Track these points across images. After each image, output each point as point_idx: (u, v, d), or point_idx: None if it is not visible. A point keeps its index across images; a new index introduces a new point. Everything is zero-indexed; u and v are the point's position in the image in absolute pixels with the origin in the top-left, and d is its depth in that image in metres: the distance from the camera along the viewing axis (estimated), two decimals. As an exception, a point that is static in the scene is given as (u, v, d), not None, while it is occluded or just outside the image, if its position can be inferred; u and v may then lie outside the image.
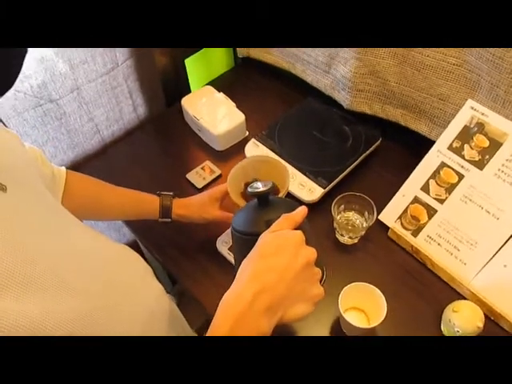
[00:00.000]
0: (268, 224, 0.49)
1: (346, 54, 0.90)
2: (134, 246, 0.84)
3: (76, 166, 1.02)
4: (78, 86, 0.88)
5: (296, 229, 0.48)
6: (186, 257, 0.86)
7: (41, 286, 0.41)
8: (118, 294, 0.57)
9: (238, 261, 0.55)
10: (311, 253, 0.47)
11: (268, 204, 0.54)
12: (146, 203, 0.79)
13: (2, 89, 0.40)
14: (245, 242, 0.52)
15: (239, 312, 0.42)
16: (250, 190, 0.53)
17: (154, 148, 1.07)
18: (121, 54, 0.91)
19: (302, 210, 0.50)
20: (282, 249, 0.46)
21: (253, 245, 0.49)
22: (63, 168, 0.70)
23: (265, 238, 0.47)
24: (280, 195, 0.72)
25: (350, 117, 1.00)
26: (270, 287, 0.43)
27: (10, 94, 0.79)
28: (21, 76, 0.78)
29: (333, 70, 0.98)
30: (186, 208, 0.80)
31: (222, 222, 0.80)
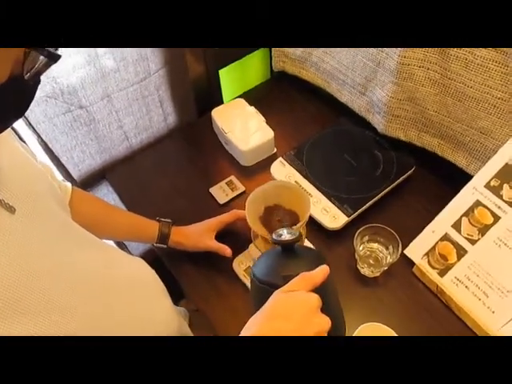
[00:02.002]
0: (285, 279, 0.46)
1: (384, 77, 0.86)
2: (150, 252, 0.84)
3: (102, 171, 1.02)
4: (108, 94, 0.89)
5: (315, 290, 0.46)
6: (200, 274, 0.85)
7: (27, 308, 0.41)
8: (122, 316, 0.57)
9: (254, 305, 0.53)
10: (324, 323, 0.44)
11: (292, 254, 0.53)
12: (146, 228, 0.81)
13: (15, 116, 0.40)
14: (261, 290, 0.51)
15: None
16: (274, 237, 0.52)
17: (180, 158, 1.07)
18: (153, 64, 0.91)
19: (323, 271, 0.47)
20: (293, 313, 0.43)
21: (268, 295, 0.47)
22: (69, 184, 0.71)
23: (276, 298, 0.45)
24: (299, 225, 0.69)
25: (383, 141, 0.96)
26: None
27: (41, 99, 0.80)
28: (52, 82, 0.79)
29: (369, 92, 0.94)
30: (182, 236, 0.82)
31: (220, 250, 0.81)
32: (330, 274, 0.49)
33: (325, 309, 0.46)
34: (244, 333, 0.44)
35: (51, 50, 0.36)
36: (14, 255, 0.42)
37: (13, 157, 0.50)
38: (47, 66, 0.37)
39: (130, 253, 1.20)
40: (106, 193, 1.08)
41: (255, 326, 0.44)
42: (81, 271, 0.52)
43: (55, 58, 0.36)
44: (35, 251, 0.45)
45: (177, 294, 1.02)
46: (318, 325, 0.43)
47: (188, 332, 0.78)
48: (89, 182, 1.03)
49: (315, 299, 0.44)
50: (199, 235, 0.81)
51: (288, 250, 0.53)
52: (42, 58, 0.36)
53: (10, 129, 0.54)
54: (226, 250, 0.80)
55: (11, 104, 0.38)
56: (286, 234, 0.52)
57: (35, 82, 0.38)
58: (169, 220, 0.83)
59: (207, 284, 0.84)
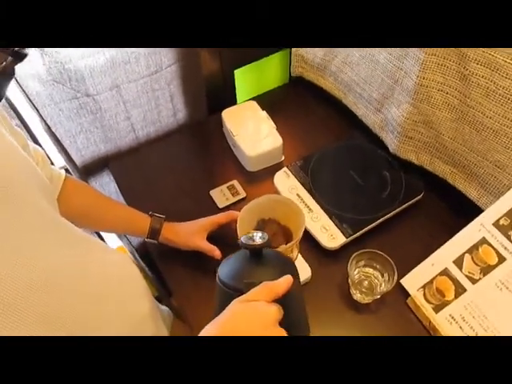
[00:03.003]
0: (248, 287, 0.44)
1: (401, 96, 0.82)
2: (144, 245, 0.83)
3: (106, 160, 1.01)
4: (117, 85, 0.87)
5: (277, 300, 0.44)
6: (187, 273, 0.84)
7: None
8: (96, 316, 0.55)
9: (215, 307, 0.51)
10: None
11: (259, 259, 0.50)
12: (137, 222, 0.79)
13: None
14: (223, 293, 0.48)
15: None
16: (243, 239, 0.49)
17: (186, 155, 1.05)
18: (166, 59, 0.89)
19: (287, 281, 0.45)
20: (249, 325, 0.41)
21: (230, 300, 0.45)
22: (63, 172, 0.69)
23: (234, 309, 0.43)
24: (292, 243, 0.66)
25: (394, 162, 0.92)
26: None
27: (48, 83, 0.79)
28: (60, 67, 0.78)
29: (384, 109, 0.90)
30: (173, 233, 0.80)
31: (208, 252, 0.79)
32: (295, 283, 0.47)
33: (285, 321, 0.44)
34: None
35: (16, 48, 0.34)
36: None
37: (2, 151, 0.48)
38: (13, 63, 0.35)
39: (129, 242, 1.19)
40: (107, 181, 1.08)
41: (210, 335, 0.42)
42: (56, 269, 0.50)
43: (21, 57, 0.35)
44: (6, 245, 0.44)
45: (168, 290, 1.02)
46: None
47: (164, 333, 0.76)
48: (91, 169, 1.03)
49: (274, 312, 0.42)
50: (190, 234, 0.79)
51: (256, 254, 0.50)
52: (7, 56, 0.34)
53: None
54: (216, 252, 0.78)
55: None
56: (257, 238, 0.49)
57: (2, 79, 0.37)
58: (162, 216, 0.81)
59: (192, 283, 0.82)
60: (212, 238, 0.81)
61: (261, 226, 0.72)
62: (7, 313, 0.41)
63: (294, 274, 0.51)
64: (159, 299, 1.34)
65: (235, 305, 0.43)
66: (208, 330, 0.43)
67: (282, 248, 0.65)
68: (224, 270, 0.51)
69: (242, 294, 0.45)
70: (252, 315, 0.42)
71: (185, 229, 0.80)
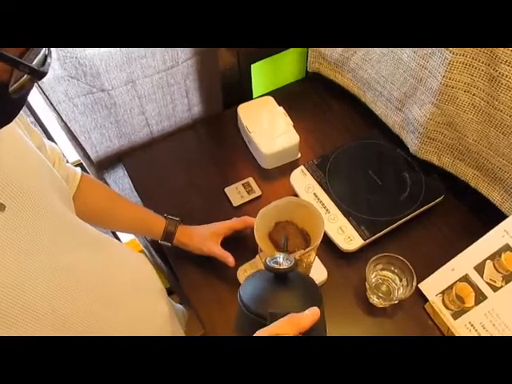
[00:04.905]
0: (272, 318, 0.43)
1: (424, 96, 0.80)
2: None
3: (120, 155, 1.00)
4: (132, 80, 0.86)
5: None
6: (204, 278, 0.82)
7: (9, 309, 0.40)
8: (115, 317, 0.55)
9: (236, 327, 0.50)
10: None
11: (284, 283, 0.49)
12: (152, 224, 0.78)
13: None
14: (246, 317, 0.47)
15: None
16: (268, 262, 0.48)
17: (200, 150, 1.03)
18: (183, 54, 0.87)
19: (313, 315, 0.44)
20: None
21: (253, 324, 0.44)
22: (79, 170, 0.68)
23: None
24: (310, 248, 0.65)
25: (414, 163, 0.90)
26: None
27: (62, 79, 0.78)
28: (75, 63, 0.77)
29: (406, 108, 0.87)
30: (188, 237, 0.79)
31: (223, 256, 0.77)
32: (321, 314, 0.46)
33: None
34: None
35: (34, 66, 0.33)
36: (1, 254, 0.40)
37: (12, 150, 0.48)
38: (32, 81, 0.34)
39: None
40: (121, 176, 1.07)
41: None
42: (74, 273, 0.50)
43: (39, 76, 0.34)
44: (24, 250, 0.44)
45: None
46: None
47: (180, 332, 0.76)
48: (106, 164, 1.02)
49: None
50: (204, 238, 0.78)
51: (281, 278, 0.49)
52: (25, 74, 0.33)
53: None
54: (229, 259, 0.76)
55: None
56: (281, 260, 0.48)
57: (20, 97, 0.36)
58: (176, 218, 0.79)
59: (209, 289, 0.81)
60: (226, 241, 0.80)
61: (277, 229, 0.70)
62: (26, 313, 0.41)
63: (318, 299, 0.50)
64: (171, 291, 1.35)
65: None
66: None
67: (299, 253, 0.64)
68: (247, 291, 0.50)
69: (265, 321, 0.44)
70: None
71: (199, 233, 0.79)
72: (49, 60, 0.36)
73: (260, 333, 0.42)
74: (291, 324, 0.42)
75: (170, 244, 0.79)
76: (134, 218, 0.78)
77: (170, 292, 1.32)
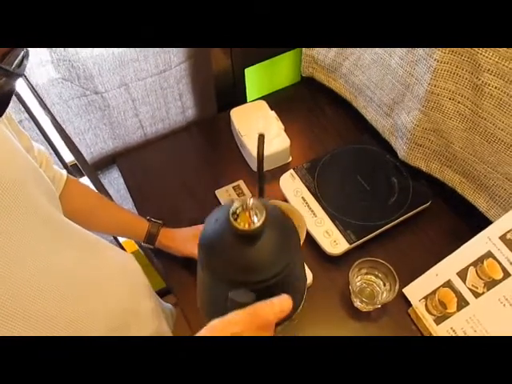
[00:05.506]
0: (233, 304, 0.36)
1: (411, 102, 0.80)
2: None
3: (114, 156, 1.02)
4: (126, 83, 0.87)
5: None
6: (194, 279, 0.83)
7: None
8: (101, 315, 0.56)
9: (199, 290, 0.46)
10: None
11: (254, 242, 0.37)
12: (135, 226, 0.80)
13: None
14: (208, 279, 0.41)
15: None
16: (232, 212, 0.36)
17: (193, 153, 1.04)
18: (175, 57, 0.88)
19: (284, 306, 0.37)
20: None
21: (217, 292, 0.39)
22: (65, 173, 0.70)
23: (214, 332, 0.36)
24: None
25: (402, 168, 0.90)
26: None
27: (56, 81, 0.80)
28: (69, 66, 0.78)
29: (395, 114, 0.88)
30: (170, 240, 0.80)
31: None
32: (300, 265, 0.40)
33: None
34: None
35: (7, 68, 0.34)
36: None
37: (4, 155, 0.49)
38: (8, 85, 0.35)
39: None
40: (116, 177, 1.08)
41: None
42: (64, 273, 0.51)
43: (15, 77, 0.35)
44: (13, 251, 0.44)
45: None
46: None
47: (167, 332, 0.77)
48: (101, 165, 1.04)
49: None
50: (186, 240, 0.79)
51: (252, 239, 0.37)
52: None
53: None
54: None
55: None
56: (254, 219, 0.36)
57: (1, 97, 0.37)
58: (159, 221, 0.81)
59: (195, 286, 0.82)
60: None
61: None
62: (15, 315, 0.42)
63: (295, 250, 0.41)
64: (166, 291, 1.36)
65: (213, 329, 0.36)
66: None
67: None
68: (208, 244, 0.40)
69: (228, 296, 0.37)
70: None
71: (181, 235, 0.81)
72: (25, 62, 0.37)
73: (215, 328, 0.36)
74: (252, 321, 0.36)
75: (152, 246, 0.81)
76: (116, 220, 0.79)
77: (166, 292, 1.33)
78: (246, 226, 0.36)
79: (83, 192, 0.76)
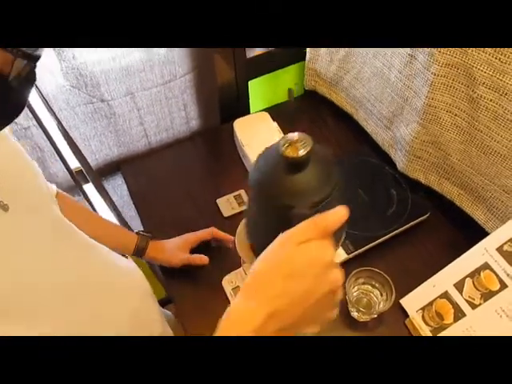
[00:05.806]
0: (294, 217, 0.39)
1: (410, 115, 0.82)
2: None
3: (119, 163, 1.04)
4: (132, 92, 0.90)
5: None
6: (190, 286, 0.84)
7: (13, 307, 0.41)
8: (105, 318, 0.57)
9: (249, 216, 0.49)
10: (338, 279, 0.38)
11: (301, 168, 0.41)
12: (124, 240, 0.81)
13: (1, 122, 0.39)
14: (265, 209, 0.44)
15: (247, 332, 0.37)
16: (282, 145, 0.40)
17: (196, 163, 1.06)
18: (180, 68, 0.91)
19: (341, 214, 0.40)
20: (307, 272, 0.37)
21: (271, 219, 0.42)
22: (54, 187, 0.70)
23: (288, 253, 0.38)
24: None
25: (401, 180, 0.91)
26: (284, 312, 0.37)
27: (64, 88, 0.82)
28: (77, 74, 0.81)
29: (394, 127, 0.89)
30: (159, 252, 0.82)
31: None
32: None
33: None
34: (249, 287, 0.39)
35: (26, 50, 0.34)
36: (5, 253, 0.42)
37: (9, 153, 0.50)
38: (28, 67, 0.35)
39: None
40: (120, 184, 1.10)
41: (265, 284, 0.38)
42: (72, 272, 0.52)
43: (33, 59, 0.35)
44: (27, 251, 0.45)
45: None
46: (332, 282, 0.38)
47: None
48: (105, 171, 1.06)
49: (331, 253, 0.39)
50: (175, 249, 0.81)
51: (298, 165, 0.41)
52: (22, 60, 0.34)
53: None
54: (202, 258, 0.80)
55: None
56: (299, 147, 0.39)
57: (21, 86, 0.37)
58: (148, 234, 0.83)
59: (194, 296, 0.83)
60: (214, 251, 0.85)
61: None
62: (27, 313, 0.43)
63: (338, 178, 0.44)
64: (168, 300, 1.36)
65: (287, 250, 0.38)
66: (270, 275, 0.39)
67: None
68: (262, 178, 0.44)
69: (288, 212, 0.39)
70: (309, 259, 0.38)
71: (170, 247, 0.82)
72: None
73: (287, 247, 0.38)
74: (316, 228, 0.38)
75: (139, 258, 0.82)
76: (106, 234, 0.78)
77: (167, 301, 1.33)
78: (297, 153, 0.40)
79: (71, 206, 0.75)
